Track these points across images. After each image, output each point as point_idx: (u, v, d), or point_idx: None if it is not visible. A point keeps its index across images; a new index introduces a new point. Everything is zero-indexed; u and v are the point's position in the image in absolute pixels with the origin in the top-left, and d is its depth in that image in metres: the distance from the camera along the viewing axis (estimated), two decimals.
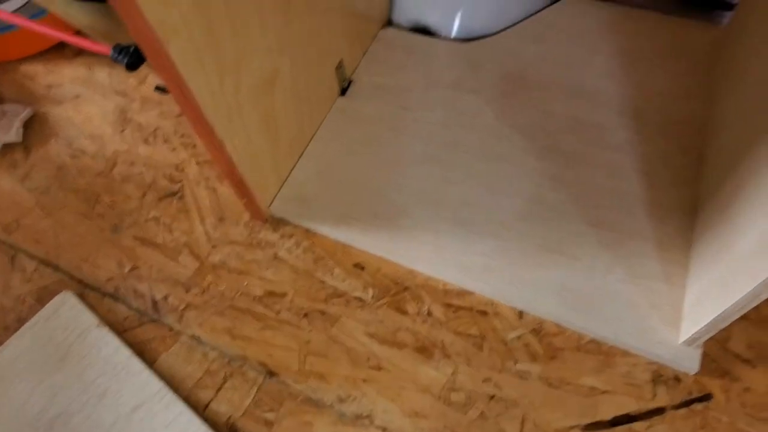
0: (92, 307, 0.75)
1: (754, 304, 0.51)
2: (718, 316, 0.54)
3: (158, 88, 0.87)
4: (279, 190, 0.79)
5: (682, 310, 0.65)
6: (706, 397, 0.62)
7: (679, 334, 0.63)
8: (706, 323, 0.57)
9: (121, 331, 0.73)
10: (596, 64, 0.85)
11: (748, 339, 0.65)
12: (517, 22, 0.90)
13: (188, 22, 0.52)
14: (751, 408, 0.61)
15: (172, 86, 0.55)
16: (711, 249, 0.62)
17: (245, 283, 0.75)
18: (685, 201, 0.72)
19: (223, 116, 0.61)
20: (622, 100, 0.81)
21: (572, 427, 0.62)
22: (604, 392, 0.64)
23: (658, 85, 0.82)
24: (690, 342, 0.62)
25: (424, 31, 0.92)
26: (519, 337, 0.68)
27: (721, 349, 0.64)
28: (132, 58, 0.61)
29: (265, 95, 0.68)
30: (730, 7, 0.85)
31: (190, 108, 0.57)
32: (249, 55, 0.62)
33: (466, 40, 0.90)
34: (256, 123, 0.68)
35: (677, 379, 0.63)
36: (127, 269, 0.78)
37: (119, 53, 0.62)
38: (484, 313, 0.70)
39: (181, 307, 0.74)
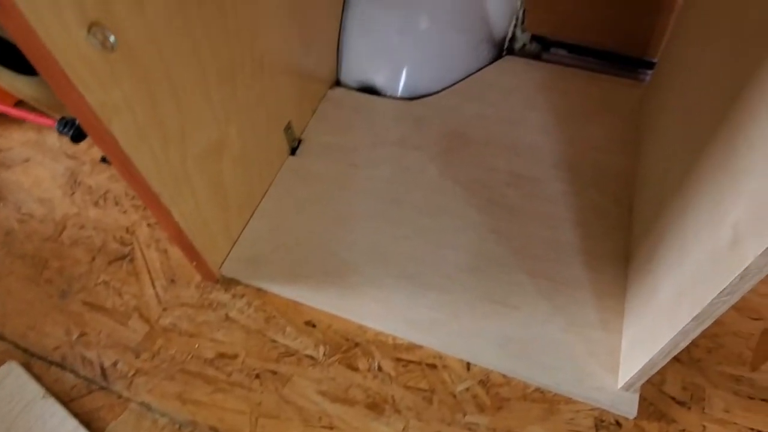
0: (38, 377, 0.73)
1: (676, 352, 0.54)
2: (648, 362, 0.58)
3: (104, 160, 0.88)
4: (230, 250, 0.80)
5: (619, 357, 0.68)
6: None
7: (617, 379, 0.66)
8: (638, 369, 0.60)
9: (68, 400, 0.72)
10: (532, 120, 0.90)
11: (682, 381, 0.68)
12: (459, 81, 0.96)
13: (130, 102, 0.54)
14: None
15: (115, 161, 0.56)
16: (640, 297, 0.65)
17: (196, 346, 0.75)
18: (619, 250, 0.76)
19: (169, 185, 0.63)
20: (557, 154, 0.86)
21: None
22: None
23: (590, 140, 0.87)
24: (627, 387, 0.65)
25: (371, 90, 0.96)
26: (467, 389, 0.69)
27: (657, 392, 0.67)
28: (77, 130, 0.62)
29: (212, 162, 0.70)
30: (651, 65, 0.92)
31: (135, 180, 0.59)
32: (195, 127, 0.64)
33: (410, 98, 0.95)
34: (204, 189, 0.69)
35: (618, 423, 0.66)
36: (75, 336, 0.77)
37: (64, 126, 0.63)
38: (433, 366, 0.71)
39: (131, 374, 0.73)
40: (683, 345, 0.52)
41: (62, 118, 0.63)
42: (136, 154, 0.56)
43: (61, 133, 0.63)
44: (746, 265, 0.39)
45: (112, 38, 0.48)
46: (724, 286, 0.42)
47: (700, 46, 0.65)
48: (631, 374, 0.61)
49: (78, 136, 0.62)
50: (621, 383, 0.65)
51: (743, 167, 0.44)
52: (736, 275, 0.41)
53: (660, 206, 0.64)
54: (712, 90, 0.56)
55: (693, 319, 0.47)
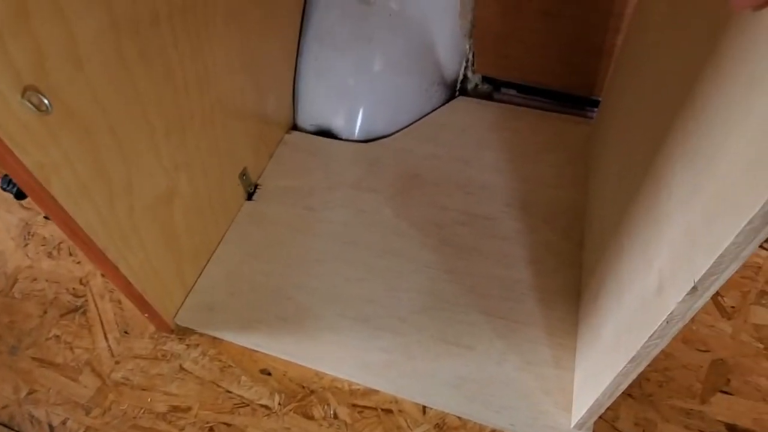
0: None
1: (619, 393, 0.55)
2: (594, 402, 0.58)
3: (47, 216, 0.87)
4: (185, 299, 0.79)
5: (572, 395, 0.68)
6: None
7: (571, 418, 0.67)
8: (587, 409, 0.60)
9: None
10: (485, 159, 0.92)
11: (634, 417, 0.69)
12: (413, 122, 0.98)
13: (71, 160, 0.54)
14: None
15: (56, 220, 0.56)
16: (588, 335, 0.66)
17: (149, 400, 0.73)
18: (570, 286, 0.77)
19: (116, 240, 0.62)
20: (510, 192, 0.88)
21: None
22: None
23: (542, 177, 0.89)
24: (579, 426, 0.65)
25: (327, 133, 0.98)
26: None
27: (610, 429, 0.68)
28: (20, 188, 0.62)
29: (162, 212, 0.70)
30: (596, 103, 0.96)
31: (78, 238, 0.58)
32: (141, 178, 0.64)
33: (366, 140, 0.96)
34: (154, 240, 0.69)
35: None
36: (23, 394, 0.75)
37: (8, 184, 0.63)
38: (388, 411, 0.71)
39: None
40: (624, 386, 0.53)
41: (5, 176, 0.63)
42: (77, 211, 0.56)
43: (4, 190, 0.62)
44: (670, 311, 0.41)
45: (46, 101, 0.48)
46: (653, 331, 0.43)
47: (632, 88, 0.68)
48: (582, 413, 0.62)
49: (21, 193, 0.61)
50: (573, 422, 0.65)
51: (664, 214, 0.45)
52: (663, 320, 0.42)
53: (602, 245, 0.66)
54: (642, 133, 0.59)
55: (629, 361, 0.48)
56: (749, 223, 0.30)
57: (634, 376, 0.51)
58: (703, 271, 0.35)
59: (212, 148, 0.77)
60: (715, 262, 0.34)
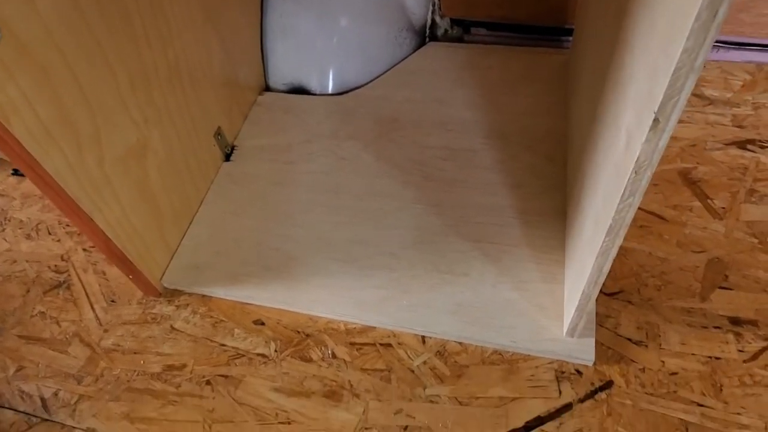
0: None
1: (603, 277, 0.53)
2: (582, 296, 0.56)
3: (15, 171, 0.85)
4: (170, 260, 0.77)
5: (564, 306, 0.67)
6: (607, 385, 0.64)
7: (563, 326, 0.65)
8: (576, 305, 0.59)
9: None
10: (461, 97, 0.91)
11: (636, 322, 0.68)
12: (386, 72, 0.97)
13: (30, 100, 0.52)
14: (649, 387, 0.63)
15: (22, 166, 0.54)
16: (573, 243, 0.65)
17: (142, 362, 0.71)
18: (557, 206, 0.76)
19: (87, 190, 0.61)
20: (488, 125, 0.87)
21: None
22: (513, 399, 0.64)
23: (518, 108, 0.89)
24: (571, 332, 0.64)
25: (300, 90, 0.96)
26: (425, 363, 0.68)
27: (613, 336, 0.67)
28: None
29: (135, 166, 0.68)
30: (569, 32, 0.95)
31: (47, 186, 0.57)
32: (110, 129, 0.63)
33: (340, 93, 0.95)
34: (130, 195, 0.67)
35: (578, 372, 0.65)
36: (11, 371, 0.72)
37: None
38: (387, 345, 0.69)
39: (74, 401, 0.69)
40: (607, 268, 0.51)
41: None
42: (44, 156, 0.54)
43: None
44: (635, 158, 0.39)
45: None
46: (623, 187, 0.42)
47: (600, 6, 0.67)
48: (571, 314, 0.60)
49: None
50: (566, 328, 0.64)
51: (628, 76, 0.44)
52: (630, 171, 0.41)
53: (581, 151, 0.65)
54: (609, 21, 0.58)
55: (606, 235, 0.47)
56: (696, 19, 0.29)
57: (614, 252, 0.49)
58: (661, 97, 0.34)
59: (182, 105, 0.76)
60: (671, 81, 0.33)
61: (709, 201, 0.76)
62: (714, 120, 0.86)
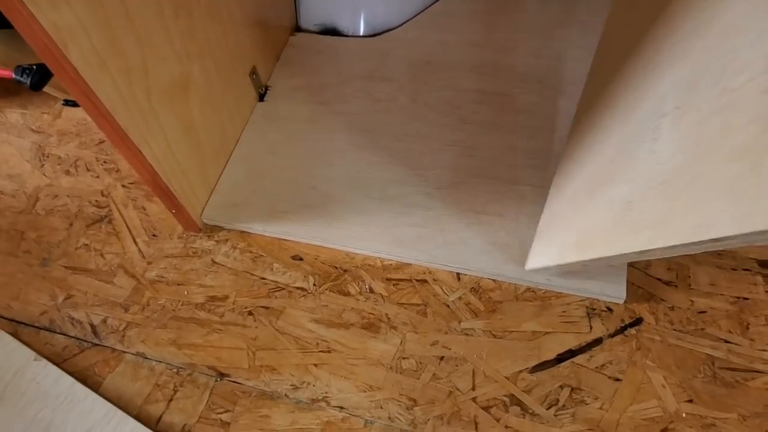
0: (27, 344, 0.72)
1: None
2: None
3: (66, 102, 0.86)
4: (209, 197, 0.79)
5: None
6: (637, 322, 0.66)
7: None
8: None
9: (60, 361, 0.71)
10: (495, 41, 0.90)
11: (666, 263, 0.69)
12: (417, 14, 0.95)
13: (85, 25, 0.52)
14: (678, 324, 0.65)
15: (77, 94, 0.55)
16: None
17: (185, 293, 0.74)
18: None
19: (137, 120, 0.62)
20: (523, 68, 0.86)
21: (521, 371, 0.64)
22: (545, 334, 0.66)
23: (554, 52, 0.88)
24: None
25: (332, 32, 0.96)
26: (460, 298, 0.70)
27: (644, 276, 0.69)
28: (35, 77, 0.61)
29: (179, 101, 0.69)
30: None
31: (100, 114, 0.58)
32: (156, 60, 0.63)
33: (372, 35, 0.94)
34: (174, 129, 0.68)
35: (609, 309, 0.67)
36: (60, 299, 0.75)
37: (22, 73, 0.62)
38: (423, 281, 0.72)
39: (122, 327, 0.72)
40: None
41: (19, 66, 0.61)
42: (97, 84, 0.55)
43: (19, 82, 0.61)
44: None
45: None
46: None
47: None
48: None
49: (37, 83, 0.60)
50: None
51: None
52: None
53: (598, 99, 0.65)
54: None
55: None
56: None
57: None
58: None
59: (220, 39, 0.75)
60: None
61: None
62: None
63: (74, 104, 0.87)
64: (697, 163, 0.37)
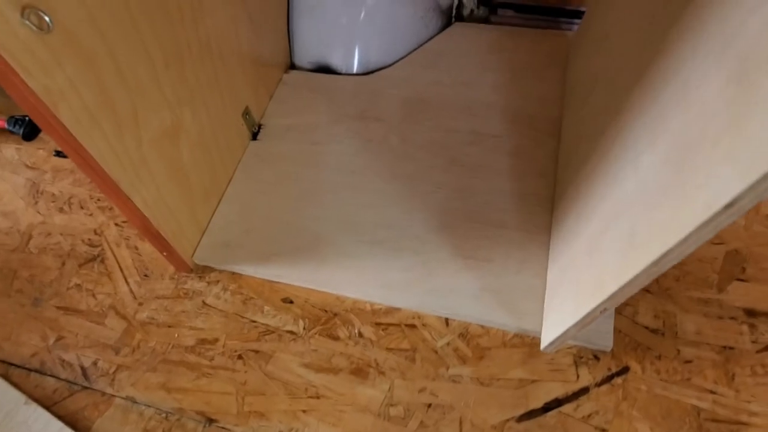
0: (18, 385, 0.73)
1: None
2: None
3: (57, 153, 0.87)
4: (201, 238, 0.80)
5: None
6: (624, 371, 0.66)
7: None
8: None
9: (50, 404, 0.71)
10: (487, 81, 0.91)
11: (653, 310, 0.70)
12: (411, 52, 0.97)
13: (76, 85, 0.53)
14: (664, 373, 0.65)
15: (68, 150, 0.56)
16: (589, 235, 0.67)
17: (176, 335, 0.74)
18: None
19: (127, 171, 0.62)
20: (514, 110, 0.87)
21: (508, 420, 0.65)
22: (532, 382, 0.67)
23: (545, 93, 0.89)
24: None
25: (325, 69, 0.97)
26: (448, 344, 0.70)
27: (630, 324, 0.69)
28: (27, 128, 0.62)
29: (170, 147, 0.70)
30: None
31: (91, 169, 0.58)
32: (147, 111, 0.64)
33: (366, 73, 0.95)
34: (164, 175, 0.69)
35: (596, 357, 0.67)
36: (51, 341, 0.76)
37: (14, 124, 0.63)
38: (412, 326, 0.72)
39: (112, 370, 0.73)
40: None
41: (11, 117, 0.62)
42: (88, 140, 0.56)
43: (12, 132, 0.62)
44: None
45: (47, 18, 0.47)
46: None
47: None
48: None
49: (29, 133, 0.61)
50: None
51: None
52: None
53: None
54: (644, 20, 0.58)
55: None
56: None
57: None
58: None
59: (212, 83, 0.76)
60: None
61: None
62: None
63: (64, 156, 0.88)
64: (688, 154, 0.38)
